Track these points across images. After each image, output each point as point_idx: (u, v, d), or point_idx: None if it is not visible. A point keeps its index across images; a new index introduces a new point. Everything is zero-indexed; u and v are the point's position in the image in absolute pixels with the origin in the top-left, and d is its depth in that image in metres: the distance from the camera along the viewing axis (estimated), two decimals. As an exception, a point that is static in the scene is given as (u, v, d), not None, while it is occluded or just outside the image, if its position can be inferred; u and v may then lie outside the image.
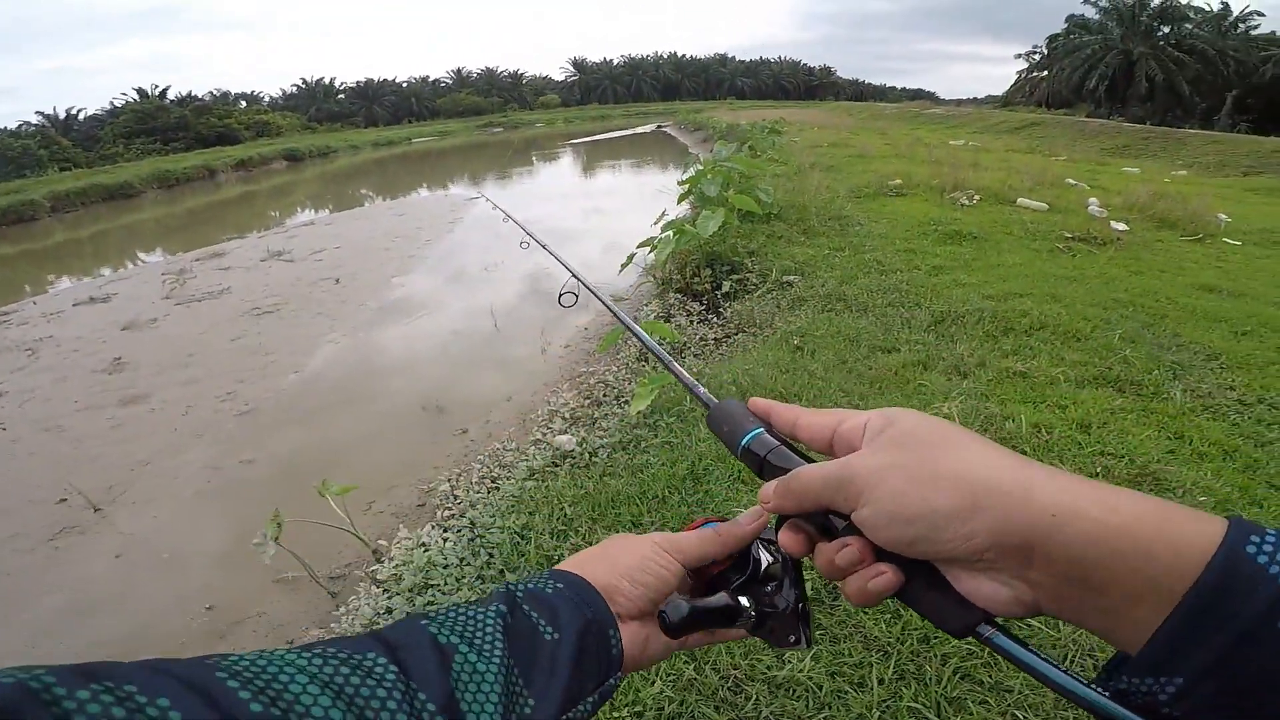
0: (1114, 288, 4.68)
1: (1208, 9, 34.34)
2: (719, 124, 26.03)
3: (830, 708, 1.63)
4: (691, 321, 4.89)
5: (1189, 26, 33.29)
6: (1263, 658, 0.29)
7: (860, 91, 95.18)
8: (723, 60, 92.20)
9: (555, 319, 6.19)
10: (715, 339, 4.48)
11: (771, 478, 0.46)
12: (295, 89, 66.85)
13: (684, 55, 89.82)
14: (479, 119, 59.54)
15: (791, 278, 5.09)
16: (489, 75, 77.69)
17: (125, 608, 3.07)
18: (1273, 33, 33.33)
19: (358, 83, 68.19)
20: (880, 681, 1.66)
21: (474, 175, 21.94)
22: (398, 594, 2.43)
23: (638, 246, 5.08)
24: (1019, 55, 45.35)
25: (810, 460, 0.46)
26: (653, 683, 1.73)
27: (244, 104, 56.28)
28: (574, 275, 1.12)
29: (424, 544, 2.70)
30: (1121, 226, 6.67)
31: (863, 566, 0.41)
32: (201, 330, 6.87)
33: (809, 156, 12.49)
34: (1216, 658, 0.30)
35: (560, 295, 1.20)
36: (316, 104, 63.82)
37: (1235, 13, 33.99)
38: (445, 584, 2.38)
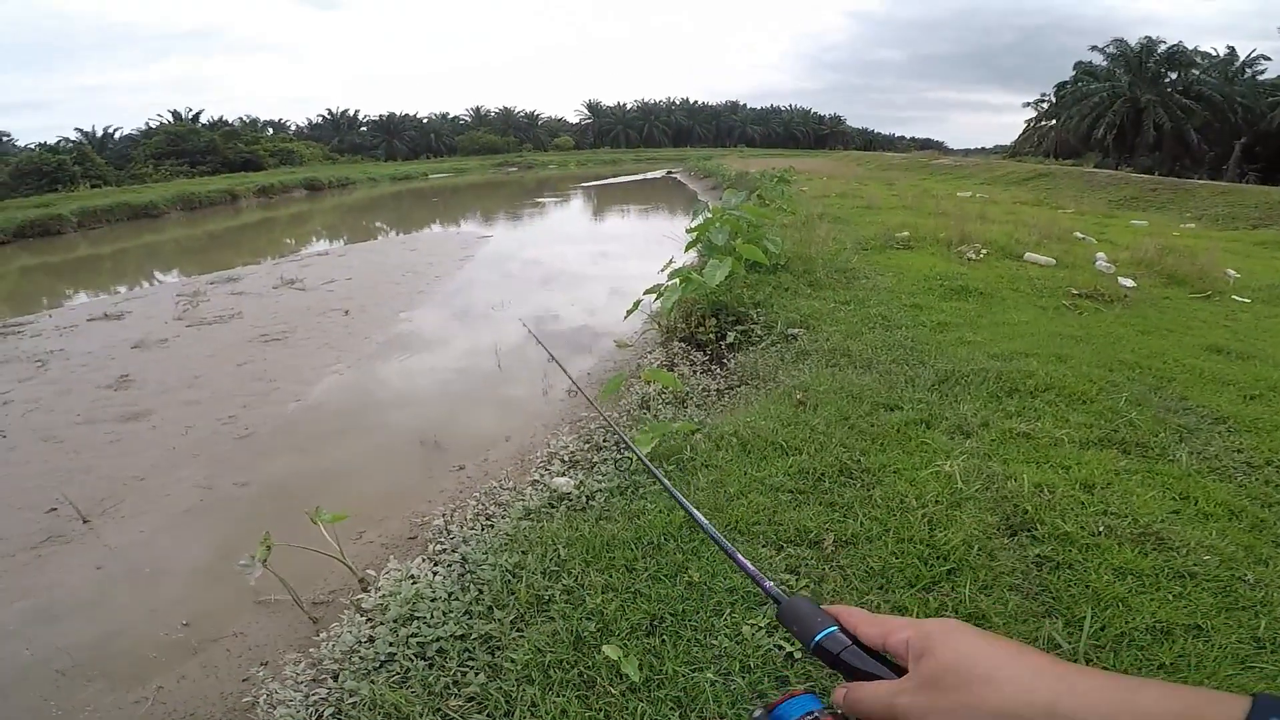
0: (1121, 348, 4.66)
1: (1214, 54, 34.15)
2: (728, 172, 26.43)
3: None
4: (695, 371, 4.88)
5: (1196, 73, 32.93)
6: None
7: (869, 141, 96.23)
8: (734, 107, 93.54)
9: (559, 361, 6.21)
10: (718, 390, 4.46)
11: (846, 672, 0.54)
12: (321, 119, 68.58)
13: (696, 101, 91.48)
14: (495, 157, 60.60)
15: (796, 331, 5.09)
16: (506, 115, 79.30)
17: (98, 618, 3.06)
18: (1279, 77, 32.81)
19: (380, 116, 69.75)
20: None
21: (487, 213, 22.24)
22: (382, 624, 2.39)
23: (644, 293, 5.10)
24: (1027, 104, 45.58)
25: (876, 656, 0.53)
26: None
27: (271, 131, 57.60)
28: (614, 430, 1.15)
29: (413, 576, 2.66)
30: (1129, 283, 6.68)
31: None
32: (209, 353, 6.91)
33: (817, 206, 12.66)
34: None
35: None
36: (340, 134, 65.29)
37: (1241, 57, 33.67)
38: (431, 617, 2.34)
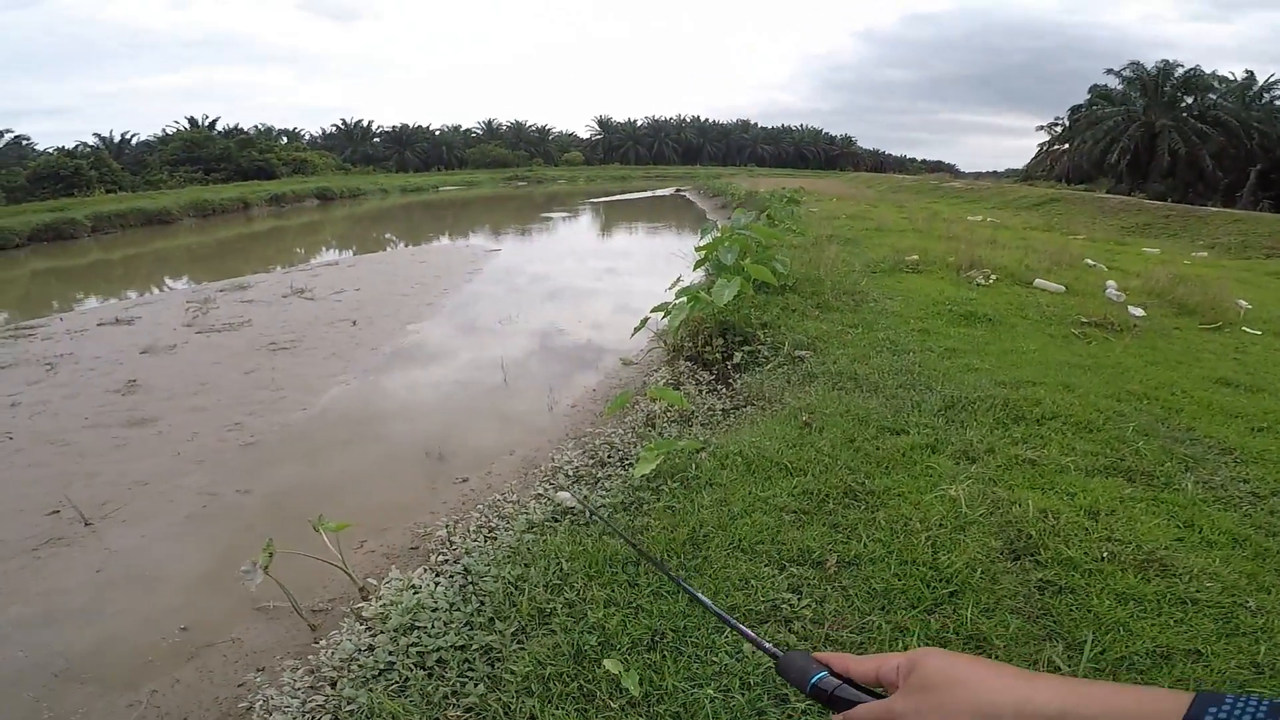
0: (1129, 378, 4.65)
1: (1232, 78, 33.62)
2: (738, 190, 26.55)
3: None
4: (701, 391, 4.87)
5: (1213, 97, 32.43)
6: None
7: (880, 162, 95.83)
8: (745, 126, 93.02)
9: (564, 376, 6.24)
10: (724, 410, 4.45)
11: (840, 708, 0.61)
12: (334, 129, 69.11)
13: (706, 119, 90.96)
14: (505, 171, 60.99)
15: (803, 353, 5.09)
16: (517, 128, 79.86)
17: (95, 621, 3.06)
18: (1298, 102, 31.88)
19: (393, 127, 70.26)
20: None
21: (496, 227, 22.39)
22: (382, 632, 2.39)
23: (651, 311, 5.11)
24: (1040, 127, 44.43)
25: (864, 690, 0.61)
26: None
27: (285, 140, 58.18)
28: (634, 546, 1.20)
29: (414, 586, 2.66)
30: (1139, 312, 6.67)
31: None
32: (217, 360, 6.96)
33: (826, 228, 12.70)
34: None
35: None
36: (353, 145, 65.86)
37: (1260, 82, 32.91)
38: (432, 627, 2.34)
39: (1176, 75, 33.22)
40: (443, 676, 2.11)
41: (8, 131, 42.51)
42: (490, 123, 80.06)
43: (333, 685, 2.24)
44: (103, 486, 4.29)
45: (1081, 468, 3.18)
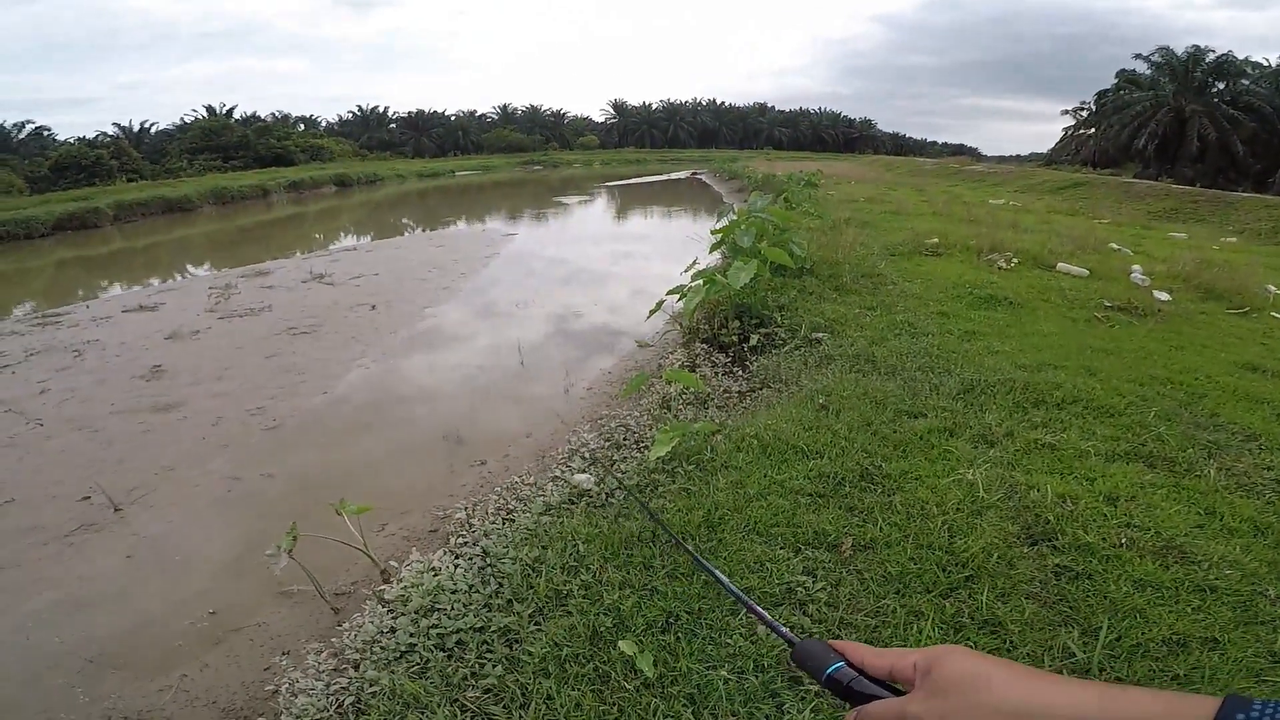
0: (1152, 363, 4.58)
1: (1266, 64, 32.71)
2: (755, 174, 26.29)
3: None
4: (716, 373, 4.88)
5: (1246, 83, 31.63)
6: None
7: (900, 146, 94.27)
8: (761, 109, 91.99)
9: (580, 360, 6.25)
10: (740, 392, 4.46)
11: (855, 701, 0.59)
12: (351, 115, 69.31)
13: (723, 102, 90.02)
14: (520, 155, 60.88)
15: (820, 335, 5.06)
16: (533, 112, 79.57)
17: (126, 606, 3.13)
18: (1334, 90, 30.94)
19: (409, 113, 70.30)
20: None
21: (512, 211, 22.39)
22: (403, 614, 2.44)
23: (667, 293, 5.10)
24: (1065, 111, 43.57)
25: (880, 683, 0.59)
26: None
27: (302, 127, 58.45)
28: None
29: (434, 568, 2.70)
30: (1164, 296, 6.54)
31: None
32: (239, 345, 7.06)
33: (844, 211, 12.56)
34: None
35: None
36: (369, 131, 66.00)
37: None
38: (452, 609, 2.38)
39: (1207, 61, 32.38)
40: (462, 658, 2.14)
41: (29, 122, 43.11)
42: (506, 107, 79.89)
43: (356, 667, 2.29)
44: (131, 472, 4.39)
45: (1102, 453, 3.15)
